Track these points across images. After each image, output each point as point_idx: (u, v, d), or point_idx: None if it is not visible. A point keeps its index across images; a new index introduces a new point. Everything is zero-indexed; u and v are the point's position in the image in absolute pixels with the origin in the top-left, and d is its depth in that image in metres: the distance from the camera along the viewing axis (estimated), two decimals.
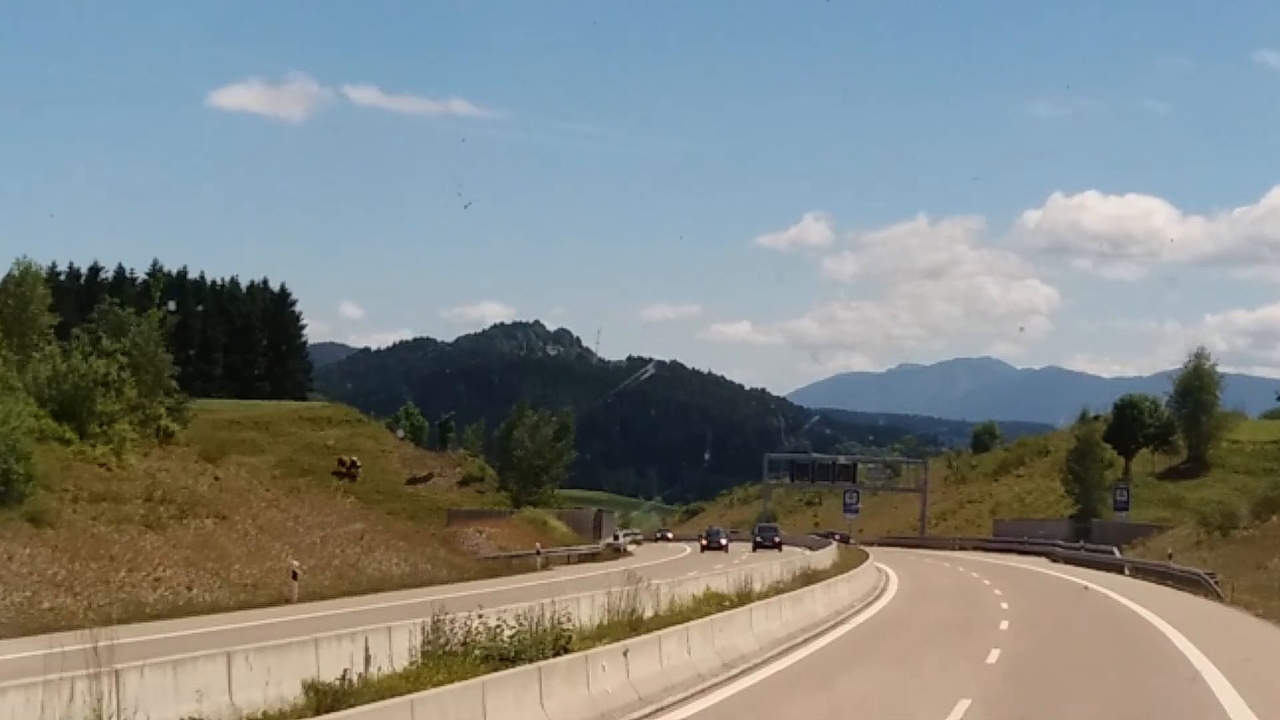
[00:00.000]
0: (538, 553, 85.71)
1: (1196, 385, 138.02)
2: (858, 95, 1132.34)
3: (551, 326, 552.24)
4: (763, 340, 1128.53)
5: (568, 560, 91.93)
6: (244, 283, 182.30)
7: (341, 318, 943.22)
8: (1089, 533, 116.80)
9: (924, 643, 39.90)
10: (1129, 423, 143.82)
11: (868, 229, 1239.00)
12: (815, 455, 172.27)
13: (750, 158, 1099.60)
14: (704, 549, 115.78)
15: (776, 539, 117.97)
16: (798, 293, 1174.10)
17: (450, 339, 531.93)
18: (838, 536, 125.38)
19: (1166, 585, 71.98)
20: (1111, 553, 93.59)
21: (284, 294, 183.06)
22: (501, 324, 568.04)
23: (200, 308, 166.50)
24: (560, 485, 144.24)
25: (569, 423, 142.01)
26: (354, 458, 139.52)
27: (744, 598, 44.72)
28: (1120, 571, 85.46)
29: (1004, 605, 57.05)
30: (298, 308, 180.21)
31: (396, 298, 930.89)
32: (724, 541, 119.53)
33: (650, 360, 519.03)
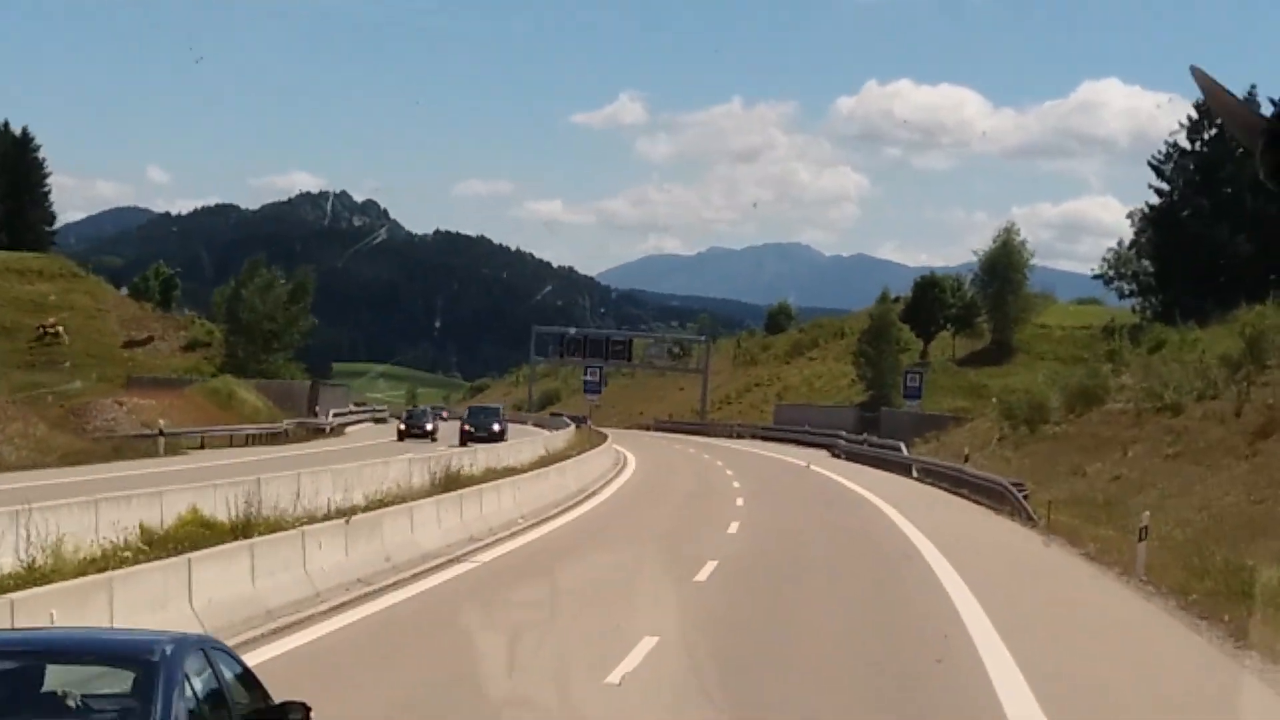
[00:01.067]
0: (160, 433, 67.70)
1: (1004, 264, 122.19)
2: None
3: (359, 198, 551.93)
4: (574, 219, 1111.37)
5: (230, 442, 74.16)
6: None
7: (148, 181, 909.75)
8: (877, 423, 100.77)
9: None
10: (930, 303, 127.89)
11: (683, 111, 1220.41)
12: (588, 331, 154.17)
13: (567, 34, 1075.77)
14: (403, 435, 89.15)
15: (497, 426, 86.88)
16: (611, 173, 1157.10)
17: (256, 206, 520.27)
18: (569, 419, 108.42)
19: (961, 495, 55.60)
20: (899, 449, 77.25)
21: (26, 139, 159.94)
22: (308, 193, 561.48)
23: None
24: (334, 357, 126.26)
25: (307, 284, 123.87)
26: (55, 322, 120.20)
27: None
28: (908, 474, 69.26)
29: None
30: (42, 154, 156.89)
31: (206, 164, 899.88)
32: (429, 426, 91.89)
33: (458, 234, 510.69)
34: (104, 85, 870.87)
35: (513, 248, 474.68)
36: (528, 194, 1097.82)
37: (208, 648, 10.33)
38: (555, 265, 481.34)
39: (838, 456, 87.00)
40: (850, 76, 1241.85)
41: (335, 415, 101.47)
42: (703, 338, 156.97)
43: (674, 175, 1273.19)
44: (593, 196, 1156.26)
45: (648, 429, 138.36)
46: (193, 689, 9.61)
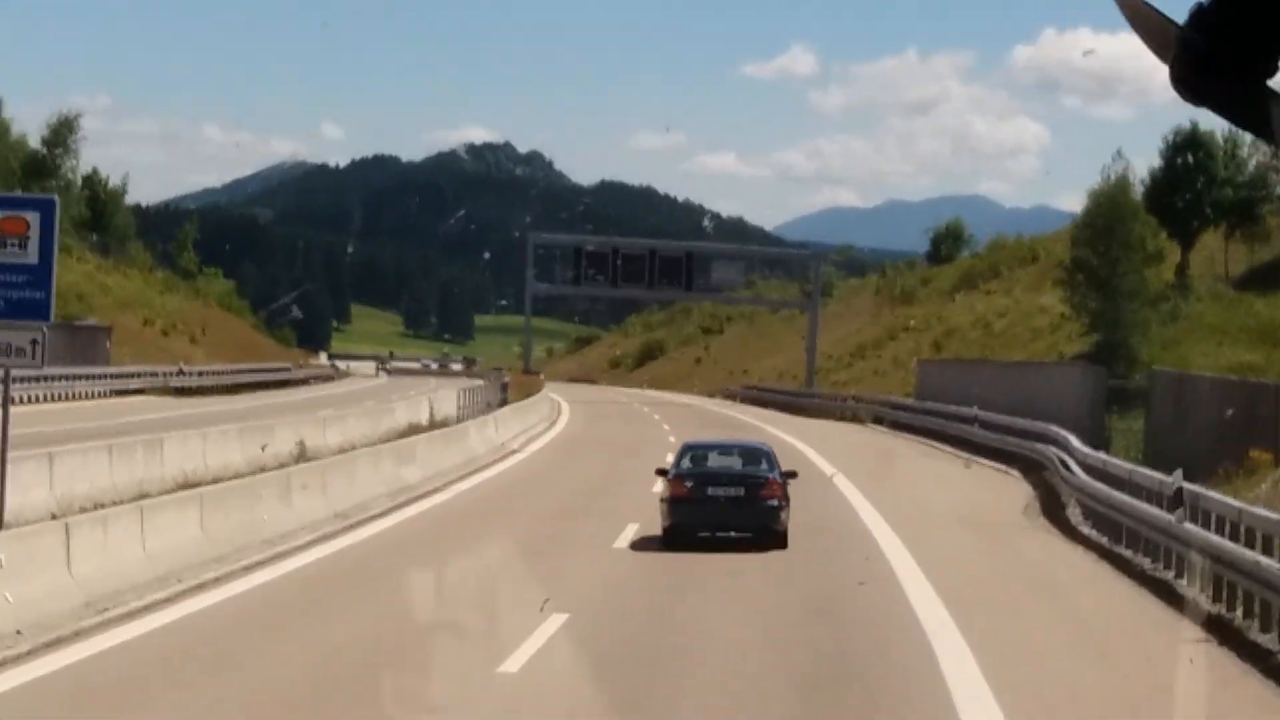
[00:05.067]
0: None
1: None
2: None
3: (523, 149, 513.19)
4: (748, 172, 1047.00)
5: None
6: None
7: (321, 137, 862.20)
8: (1126, 398, 43.24)
9: None
10: (1189, 181, 68.93)
11: (856, 61, 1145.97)
12: (620, 241, 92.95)
13: None
14: None
15: None
16: (783, 125, 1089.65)
17: (418, 158, 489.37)
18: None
19: None
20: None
21: None
22: (471, 144, 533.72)
23: None
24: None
25: None
26: None
27: None
28: None
29: None
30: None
31: (378, 120, 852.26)
32: None
33: (622, 184, 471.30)
34: (283, 42, 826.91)
35: (680, 199, 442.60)
36: (699, 147, 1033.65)
37: None
38: (725, 216, 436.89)
39: (1061, 510, 28.90)
40: (1027, 24, 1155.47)
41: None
42: (806, 268, 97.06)
43: (847, 127, 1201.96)
44: (766, 149, 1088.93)
45: (733, 397, 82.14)
46: None
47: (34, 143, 64.18)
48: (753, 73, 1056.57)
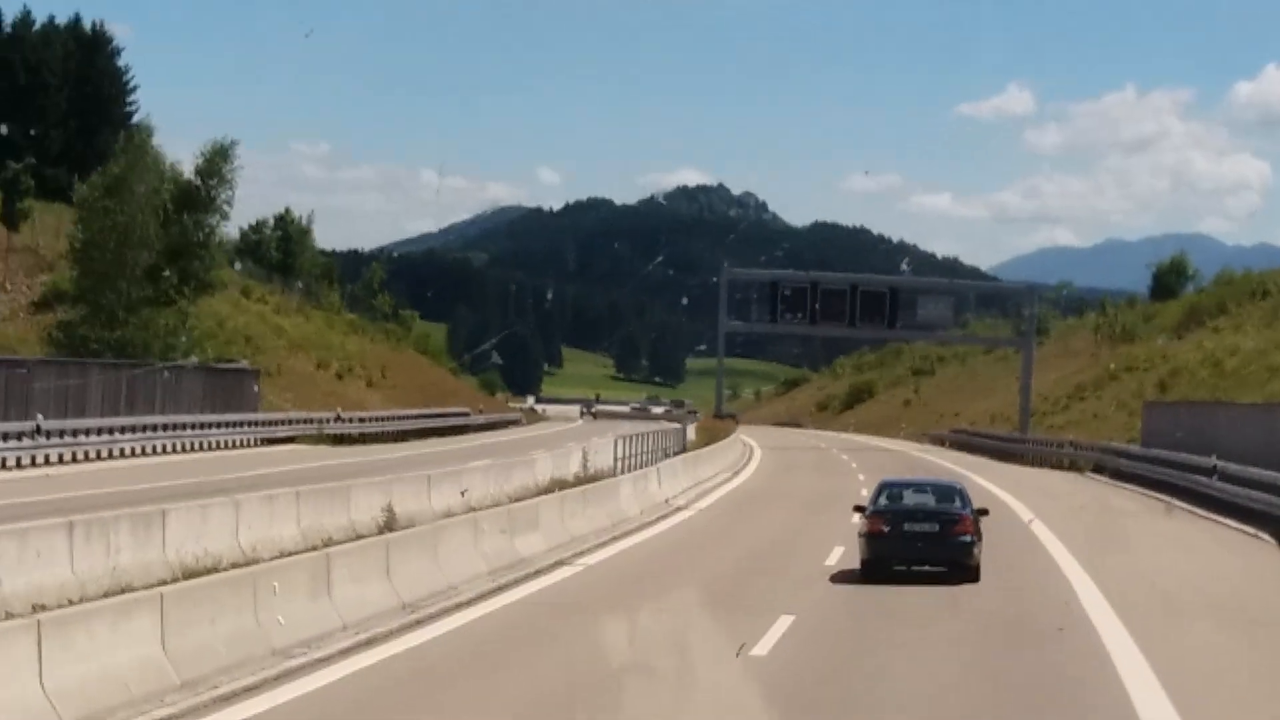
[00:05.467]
0: None
1: None
2: None
3: (736, 191, 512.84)
4: (964, 212, 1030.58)
5: None
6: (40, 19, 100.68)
7: (538, 182, 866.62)
8: None
9: None
10: None
11: (1073, 99, 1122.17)
12: (819, 276, 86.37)
13: (955, 23, 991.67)
14: None
15: None
16: (999, 164, 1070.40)
17: (632, 201, 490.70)
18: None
19: None
20: None
21: (99, 38, 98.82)
22: (684, 187, 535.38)
23: None
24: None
25: None
26: None
27: None
28: None
29: None
30: (123, 60, 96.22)
31: (594, 166, 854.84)
32: None
33: (836, 225, 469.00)
34: (503, 89, 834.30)
35: (894, 239, 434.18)
36: (914, 187, 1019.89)
37: None
38: (940, 257, 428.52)
39: None
40: (1249, 60, 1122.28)
41: None
42: (1023, 306, 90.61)
43: (1064, 165, 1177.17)
44: (982, 189, 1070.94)
45: (941, 442, 76.64)
46: None
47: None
48: (968, 112, 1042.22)
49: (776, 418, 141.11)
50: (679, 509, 36.38)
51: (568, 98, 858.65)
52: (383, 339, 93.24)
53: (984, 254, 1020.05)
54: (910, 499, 26.37)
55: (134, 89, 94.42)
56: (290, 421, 59.34)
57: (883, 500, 26.06)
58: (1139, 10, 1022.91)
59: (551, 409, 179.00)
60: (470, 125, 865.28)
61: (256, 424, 57.53)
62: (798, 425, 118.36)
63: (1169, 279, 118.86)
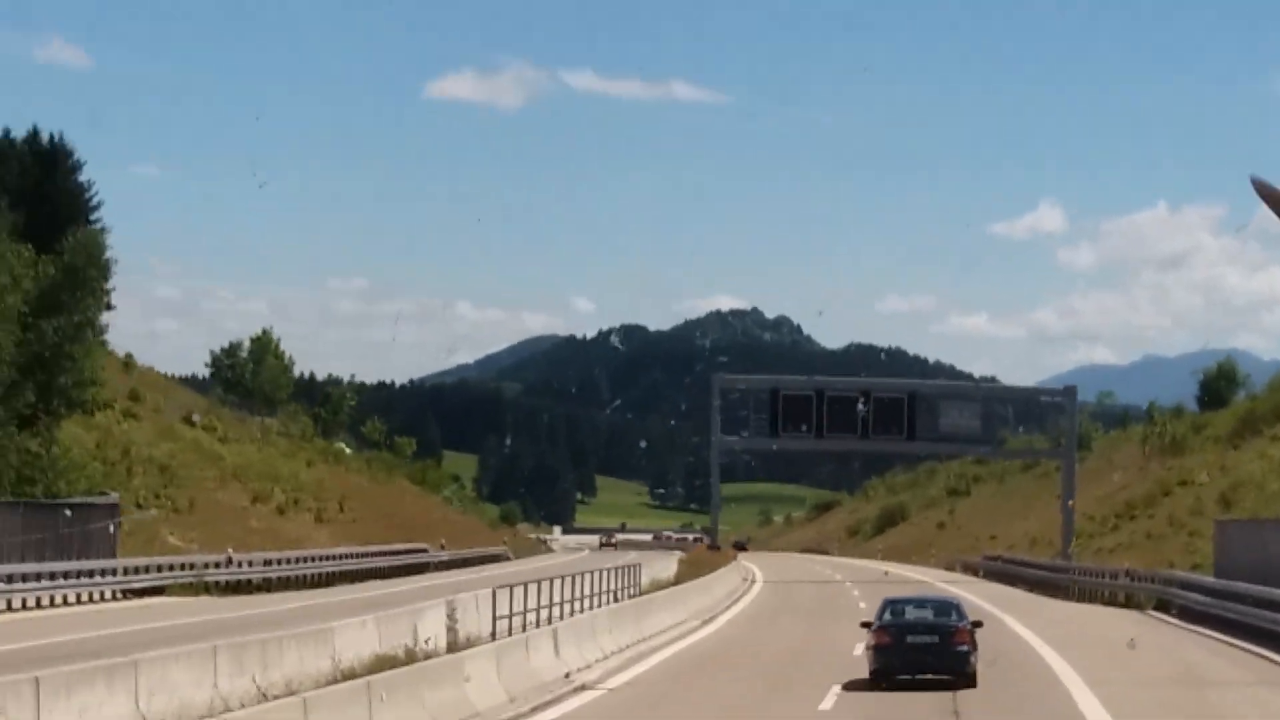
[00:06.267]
0: None
1: None
2: (1090, 77, 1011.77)
3: (771, 315, 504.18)
4: (1001, 332, 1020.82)
5: None
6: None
7: (572, 311, 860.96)
8: None
9: None
10: None
11: (1105, 217, 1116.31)
12: (823, 381, 77.16)
13: (984, 143, 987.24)
14: None
15: None
16: (1034, 283, 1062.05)
17: (665, 327, 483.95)
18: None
19: None
20: None
21: (57, 151, 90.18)
22: (717, 311, 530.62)
23: None
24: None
25: None
26: None
27: None
28: None
29: None
30: (84, 176, 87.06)
31: (628, 291, 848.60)
32: None
33: (871, 346, 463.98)
34: (537, 218, 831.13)
35: (930, 360, 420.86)
36: (950, 308, 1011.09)
37: None
38: (977, 377, 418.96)
39: None
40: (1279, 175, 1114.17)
41: None
42: (1057, 414, 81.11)
43: (1099, 282, 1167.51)
44: (1018, 308, 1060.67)
45: (973, 570, 67.18)
46: None
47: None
48: (1001, 231, 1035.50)
49: (804, 544, 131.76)
50: (579, 689, 26.54)
51: (601, 226, 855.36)
52: (362, 468, 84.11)
53: (1022, 373, 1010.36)
54: (912, 614, 28.20)
55: (97, 205, 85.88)
56: (159, 569, 48.90)
57: (887, 616, 27.94)
58: (1167, 128, 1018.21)
59: (571, 539, 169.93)
60: (505, 256, 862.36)
61: (101, 574, 46.97)
62: (824, 552, 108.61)
63: (1218, 385, 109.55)
